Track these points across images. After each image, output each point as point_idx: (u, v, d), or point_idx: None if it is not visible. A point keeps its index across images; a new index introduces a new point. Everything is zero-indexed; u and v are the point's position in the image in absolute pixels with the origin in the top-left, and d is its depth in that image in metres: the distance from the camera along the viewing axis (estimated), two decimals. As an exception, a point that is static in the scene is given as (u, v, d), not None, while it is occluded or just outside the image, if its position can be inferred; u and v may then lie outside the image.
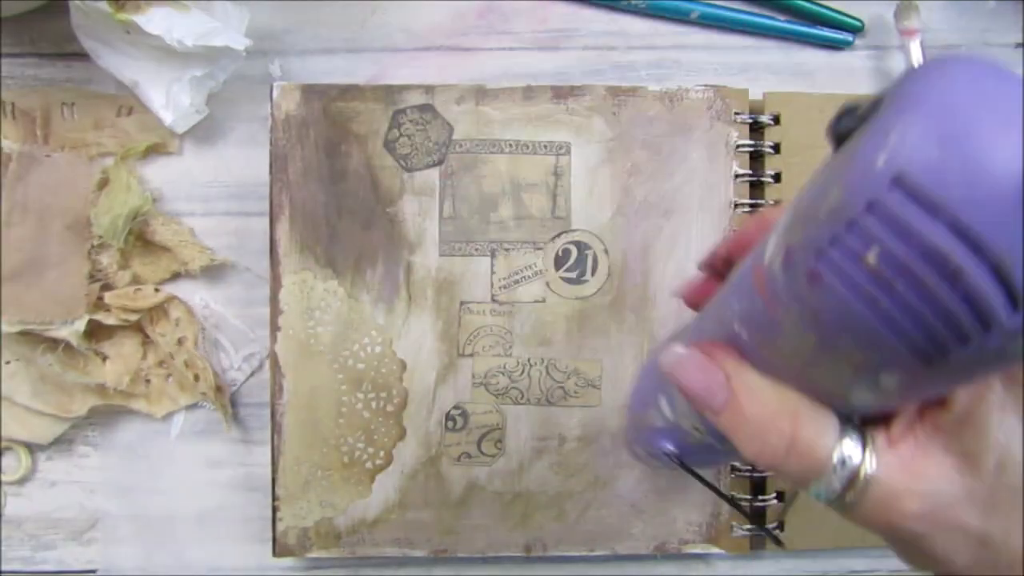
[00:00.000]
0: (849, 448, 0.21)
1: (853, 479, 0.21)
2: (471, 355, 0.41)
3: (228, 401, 0.42)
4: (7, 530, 0.42)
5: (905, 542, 0.22)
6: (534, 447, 0.41)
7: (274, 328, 0.40)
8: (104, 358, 0.41)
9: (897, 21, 0.43)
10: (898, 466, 0.21)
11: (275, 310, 0.40)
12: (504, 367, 0.41)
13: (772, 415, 0.22)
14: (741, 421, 0.22)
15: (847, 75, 0.44)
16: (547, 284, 0.41)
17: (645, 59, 0.44)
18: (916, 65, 0.22)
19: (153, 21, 0.37)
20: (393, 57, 0.43)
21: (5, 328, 0.39)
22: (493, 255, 0.41)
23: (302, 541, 0.41)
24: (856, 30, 0.44)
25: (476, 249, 0.41)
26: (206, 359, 0.42)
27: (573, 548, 0.41)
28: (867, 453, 0.21)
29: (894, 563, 0.44)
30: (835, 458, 0.21)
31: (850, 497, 0.21)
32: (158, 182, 0.43)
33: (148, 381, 0.42)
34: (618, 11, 0.44)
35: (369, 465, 0.41)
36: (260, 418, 0.43)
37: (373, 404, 0.41)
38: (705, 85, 0.42)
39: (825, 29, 0.44)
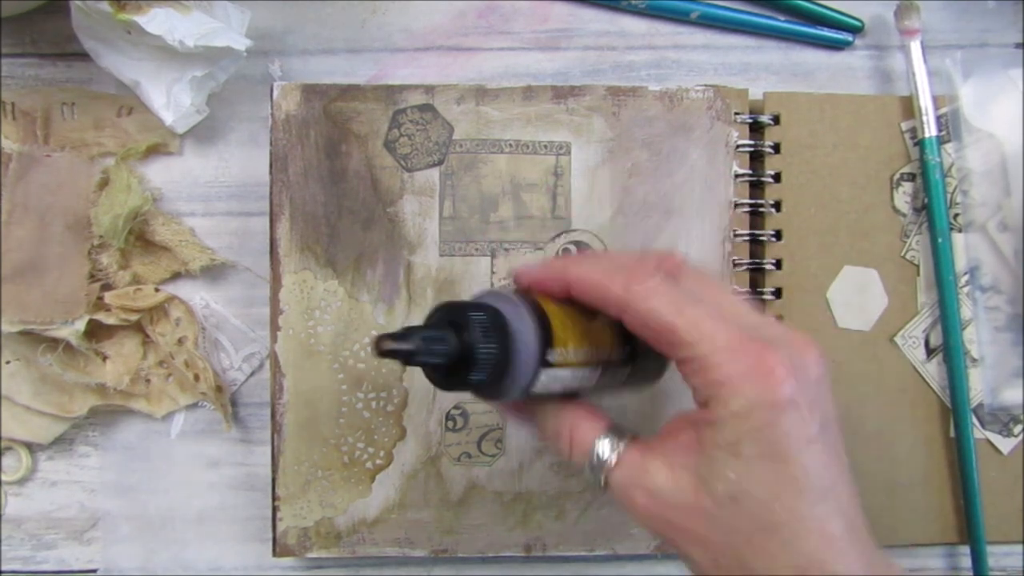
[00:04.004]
0: (602, 447, 0.29)
1: (602, 467, 0.29)
2: (471, 355, 0.41)
3: (228, 401, 0.42)
4: (7, 530, 0.42)
5: (660, 536, 0.29)
6: (534, 447, 0.41)
7: (274, 328, 0.40)
8: (104, 358, 0.41)
9: (897, 21, 0.43)
10: (633, 465, 0.29)
11: (275, 310, 0.40)
12: (504, 367, 0.41)
13: (561, 427, 0.30)
14: (546, 438, 0.31)
15: (847, 75, 0.44)
16: (547, 284, 0.41)
17: (645, 59, 0.44)
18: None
19: (154, 21, 0.37)
20: (393, 57, 0.43)
21: (5, 328, 0.39)
22: (493, 255, 0.41)
23: (302, 541, 0.41)
24: (856, 30, 0.44)
25: (476, 249, 0.41)
26: (206, 359, 0.42)
27: (573, 548, 0.41)
28: (614, 452, 0.29)
29: (894, 563, 0.44)
30: (593, 453, 0.29)
31: (601, 482, 0.29)
32: (158, 182, 0.43)
33: (148, 381, 0.42)
34: (618, 11, 0.44)
35: (369, 465, 0.41)
36: (260, 418, 0.43)
37: (373, 404, 0.41)
38: (705, 85, 0.42)
39: (825, 29, 0.44)
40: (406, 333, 0.27)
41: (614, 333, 0.31)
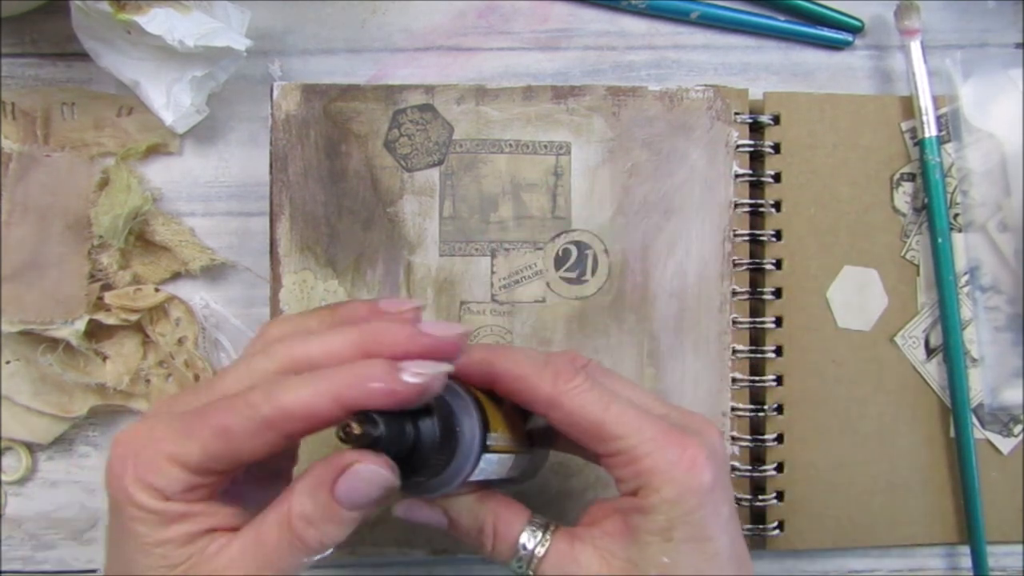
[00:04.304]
0: (526, 537, 0.30)
1: (530, 560, 0.30)
2: (471, 355, 0.41)
3: (228, 401, 0.42)
4: (7, 530, 0.42)
5: None
6: (534, 447, 0.41)
7: (274, 328, 0.40)
8: (104, 358, 0.41)
9: (897, 21, 0.43)
10: (563, 555, 0.29)
11: (275, 310, 0.40)
12: (504, 367, 0.41)
13: (483, 520, 0.31)
14: (462, 535, 0.31)
15: (847, 75, 0.44)
16: (547, 284, 0.41)
17: (645, 59, 0.44)
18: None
19: (154, 21, 0.37)
20: (393, 57, 0.43)
21: (5, 328, 0.39)
22: (493, 255, 0.41)
23: (302, 541, 0.41)
24: (856, 30, 0.44)
25: (476, 249, 0.41)
26: (206, 359, 0.42)
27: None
28: (541, 542, 0.30)
29: (894, 563, 0.44)
30: (518, 546, 0.30)
31: (529, 572, 0.30)
32: (158, 182, 0.43)
33: (148, 381, 0.42)
34: (618, 11, 0.44)
35: (369, 465, 0.41)
36: (260, 418, 0.43)
37: (373, 404, 0.41)
38: (705, 85, 0.42)
39: (825, 29, 0.44)
40: (374, 418, 0.26)
41: (521, 423, 0.32)
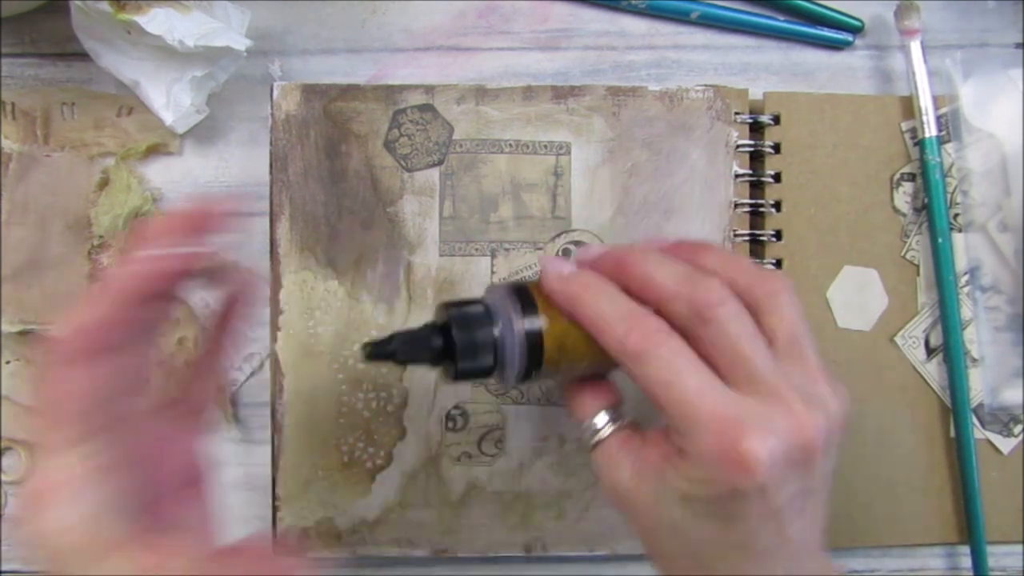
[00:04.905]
0: (599, 419, 0.32)
1: (591, 438, 0.32)
2: (471, 355, 0.41)
3: (228, 401, 0.42)
4: (7, 530, 0.42)
5: (626, 512, 0.31)
6: (534, 447, 0.41)
7: (274, 328, 0.40)
8: (104, 358, 0.41)
9: (897, 21, 0.43)
10: (609, 453, 0.31)
11: (275, 310, 0.40)
12: (504, 367, 0.41)
13: (577, 389, 0.33)
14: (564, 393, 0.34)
15: (847, 75, 0.44)
16: (547, 284, 0.41)
17: (645, 59, 0.44)
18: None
19: (154, 21, 0.37)
20: (393, 57, 0.43)
21: (5, 328, 0.39)
22: (493, 255, 0.41)
23: (303, 541, 0.41)
24: (856, 30, 0.44)
25: (476, 249, 0.41)
26: (206, 359, 0.42)
27: (573, 548, 0.41)
28: (603, 429, 0.31)
29: (894, 563, 0.44)
30: (589, 420, 0.32)
31: (589, 445, 0.32)
32: (158, 182, 0.43)
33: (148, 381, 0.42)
34: (618, 11, 0.44)
35: (369, 465, 0.41)
36: (260, 418, 0.43)
37: (373, 404, 0.41)
38: (705, 85, 0.42)
39: (825, 29, 0.44)
40: (390, 338, 0.31)
41: None
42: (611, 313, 0.29)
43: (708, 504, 0.28)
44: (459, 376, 0.31)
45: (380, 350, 0.30)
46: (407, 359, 0.31)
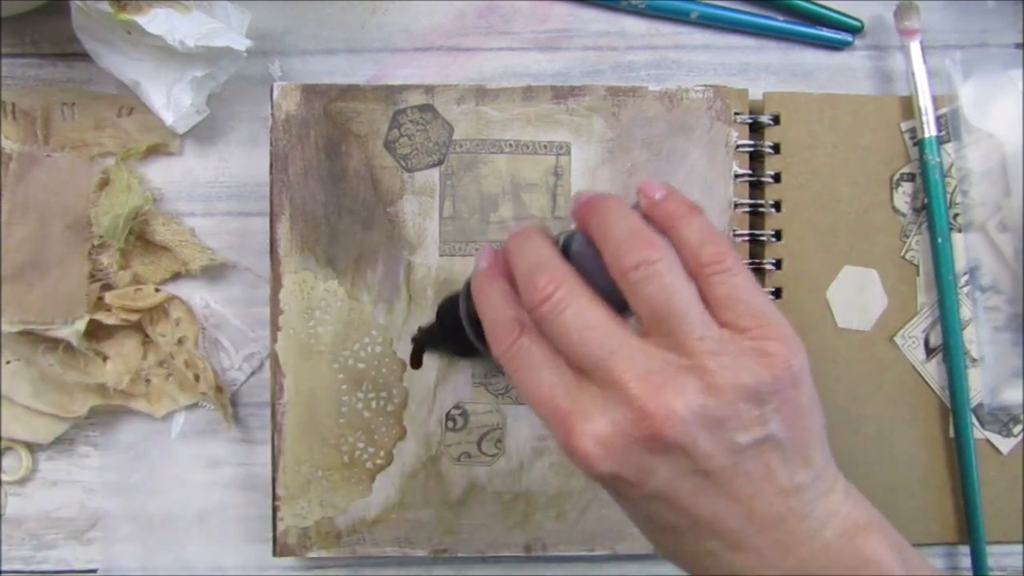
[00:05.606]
0: None
1: None
2: (471, 355, 0.41)
3: (228, 401, 0.42)
4: (8, 530, 0.42)
5: None
6: (534, 447, 0.41)
7: (274, 328, 0.40)
8: (104, 358, 0.41)
9: (897, 21, 0.43)
10: None
11: (275, 310, 0.40)
12: (504, 367, 0.41)
13: None
14: None
15: (847, 75, 0.44)
16: (547, 284, 0.41)
17: (645, 59, 0.44)
18: None
19: (154, 21, 0.37)
20: (393, 57, 0.43)
21: (5, 328, 0.39)
22: (493, 255, 0.41)
23: (303, 541, 0.41)
24: (856, 30, 0.44)
25: (476, 249, 0.41)
26: (206, 359, 0.42)
27: (573, 548, 0.41)
28: None
29: (894, 563, 0.44)
30: None
31: None
32: (159, 182, 0.43)
33: (148, 381, 0.42)
34: (618, 11, 0.44)
35: (369, 465, 0.41)
36: (260, 418, 0.43)
37: (373, 404, 0.41)
38: (705, 85, 0.42)
39: (825, 29, 0.44)
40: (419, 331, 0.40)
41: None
42: (489, 316, 0.30)
43: (606, 491, 0.28)
44: (460, 355, 0.39)
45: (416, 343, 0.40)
46: (424, 347, 0.40)
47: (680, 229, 0.28)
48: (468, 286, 0.34)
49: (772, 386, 0.26)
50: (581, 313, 0.27)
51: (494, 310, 0.30)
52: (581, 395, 0.27)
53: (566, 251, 0.30)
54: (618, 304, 0.28)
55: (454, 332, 0.36)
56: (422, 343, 0.41)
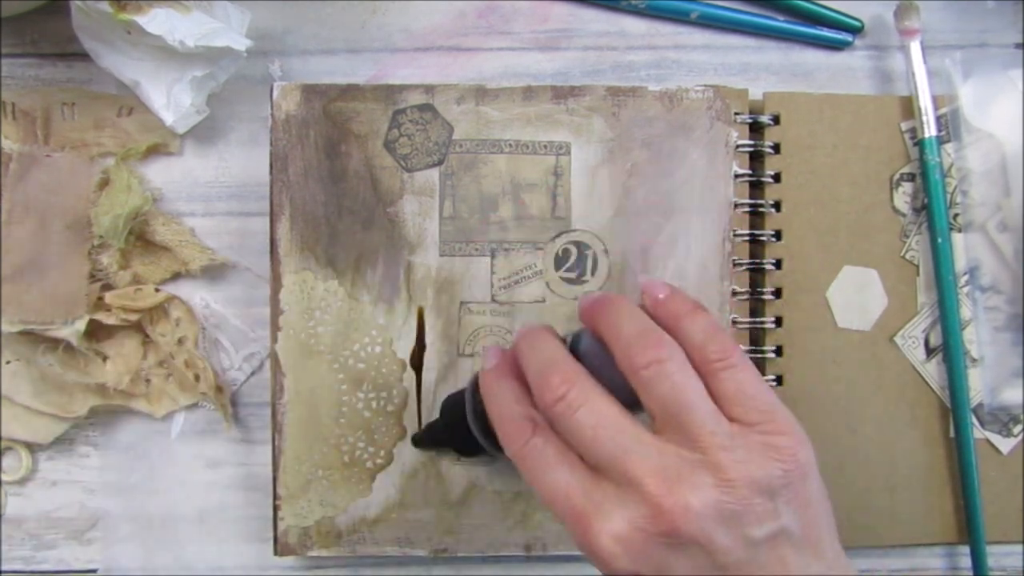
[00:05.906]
0: None
1: None
2: (471, 355, 0.41)
3: (228, 401, 0.42)
4: (8, 530, 0.42)
5: None
6: (534, 447, 0.41)
7: (274, 328, 0.40)
8: (104, 358, 0.41)
9: (897, 21, 0.43)
10: None
11: (275, 310, 0.40)
12: (504, 367, 0.41)
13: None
14: None
15: (847, 75, 0.44)
16: (547, 284, 0.41)
17: (645, 59, 0.44)
18: None
19: (154, 21, 0.37)
20: (393, 57, 0.43)
21: (5, 328, 0.39)
22: (493, 255, 0.41)
23: (303, 540, 0.41)
24: (856, 30, 0.44)
25: (476, 249, 0.41)
26: (206, 359, 0.42)
27: (573, 548, 0.41)
28: None
29: (894, 563, 0.44)
30: None
31: None
32: (159, 182, 0.43)
33: (148, 381, 0.42)
34: (618, 11, 0.44)
35: (370, 464, 0.41)
36: (260, 418, 0.43)
37: (373, 404, 0.41)
38: (705, 85, 0.42)
39: (825, 29, 0.44)
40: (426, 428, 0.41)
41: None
42: (499, 415, 0.31)
43: None
44: (464, 454, 0.39)
45: (417, 440, 0.40)
46: (426, 445, 0.41)
47: (685, 327, 0.30)
48: (474, 384, 0.34)
49: (783, 479, 0.27)
50: (594, 411, 0.28)
51: (505, 409, 0.31)
52: (596, 493, 0.28)
53: (574, 349, 0.31)
54: (627, 401, 0.29)
55: (458, 429, 0.36)
56: (424, 442, 0.40)
